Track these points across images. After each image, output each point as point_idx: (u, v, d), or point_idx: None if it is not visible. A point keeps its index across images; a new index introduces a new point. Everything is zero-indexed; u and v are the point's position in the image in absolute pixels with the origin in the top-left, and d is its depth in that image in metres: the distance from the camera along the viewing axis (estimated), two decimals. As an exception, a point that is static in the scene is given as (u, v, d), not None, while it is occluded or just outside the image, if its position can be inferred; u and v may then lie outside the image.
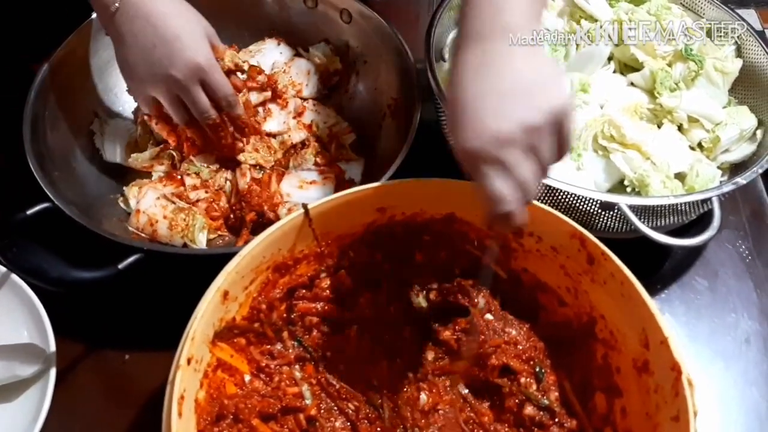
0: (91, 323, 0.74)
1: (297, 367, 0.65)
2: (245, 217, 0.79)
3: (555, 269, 0.63)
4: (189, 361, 0.53)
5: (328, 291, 0.67)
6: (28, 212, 0.67)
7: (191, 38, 0.71)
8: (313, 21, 0.96)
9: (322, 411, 0.63)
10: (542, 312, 0.66)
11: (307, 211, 0.61)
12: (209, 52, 0.73)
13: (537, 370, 0.64)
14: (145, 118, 0.82)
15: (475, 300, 0.66)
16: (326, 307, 0.67)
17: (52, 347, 0.68)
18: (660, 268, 0.84)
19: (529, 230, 0.62)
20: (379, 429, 0.62)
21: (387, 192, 0.63)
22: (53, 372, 0.66)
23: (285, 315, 0.66)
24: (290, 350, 0.66)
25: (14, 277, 0.71)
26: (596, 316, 0.61)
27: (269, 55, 0.95)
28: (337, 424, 0.62)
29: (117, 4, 0.68)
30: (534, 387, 0.63)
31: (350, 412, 0.63)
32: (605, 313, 0.60)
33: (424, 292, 0.70)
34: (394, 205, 0.65)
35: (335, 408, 0.63)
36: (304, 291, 0.67)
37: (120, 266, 0.65)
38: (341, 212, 0.63)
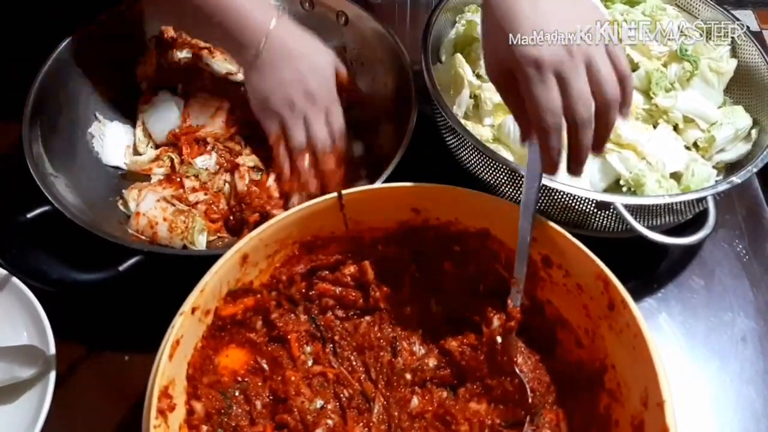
0: (90, 325, 0.75)
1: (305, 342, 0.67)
2: (247, 218, 0.80)
3: (578, 308, 0.62)
4: (193, 311, 0.55)
5: (349, 278, 0.69)
6: (28, 215, 0.68)
7: (324, 72, 0.77)
8: (309, 24, 0.96)
9: (317, 388, 0.64)
10: (558, 348, 0.65)
11: (340, 196, 0.62)
12: (335, 89, 0.78)
13: None
14: (272, 141, 0.79)
15: (490, 320, 0.66)
16: (344, 293, 0.68)
17: (52, 349, 0.68)
18: (657, 267, 0.84)
19: (558, 262, 0.62)
20: (365, 421, 0.63)
21: (422, 193, 0.64)
22: (53, 373, 0.67)
23: (304, 291, 0.68)
24: (302, 325, 0.67)
25: (14, 278, 0.71)
26: (608, 365, 0.60)
27: (267, 57, 0.96)
28: (329, 406, 0.63)
29: (262, 45, 0.74)
30: (527, 419, 0.62)
31: (343, 398, 0.64)
32: (617, 363, 0.58)
33: (444, 300, 0.70)
34: (429, 209, 0.65)
35: (331, 391, 0.64)
36: (326, 272, 0.68)
37: (120, 268, 0.65)
38: (375, 204, 0.64)
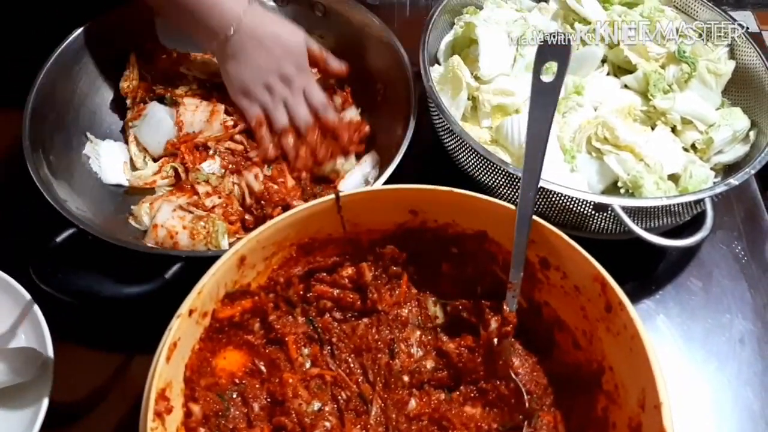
0: (88, 326, 0.75)
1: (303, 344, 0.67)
2: (270, 213, 0.80)
3: (575, 310, 0.62)
4: (191, 313, 0.55)
5: (347, 280, 0.69)
6: (57, 239, 0.68)
7: (297, 53, 0.83)
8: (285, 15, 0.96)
9: (314, 390, 0.64)
10: (555, 350, 0.65)
11: (338, 198, 0.62)
12: (308, 67, 0.85)
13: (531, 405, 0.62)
14: (254, 124, 0.85)
15: (488, 322, 0.66)
16: (342, 295, 0.68)
17: (50, 351, 0.68)
18: (655, 269, 0.84)
19: (556, 264, 0.62)
20: (362, 423, 0.62)
21: (419, 195, 0.63)
22: (51, 375, 0.67)
23: (301, 293, 0.68)
24: (299, 327, 0.67)
25: (10, 280, 0.71)
26: (605, 367, 0.59)
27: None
28: (327, 409, 0.63)
29: (232, 31, 0.78)
30: (524, 423, 0.61)
31: (341, 400, 0.64)
32: (614, 365, 0.58)
33: (442, 302, 0.70)
34: (427, 211, 0.65)
35: (328, 393, 0.64)
36: (324, 274, 0.68)
37: (166, 276, 0.66)
38: (372, 206, 0.64)
